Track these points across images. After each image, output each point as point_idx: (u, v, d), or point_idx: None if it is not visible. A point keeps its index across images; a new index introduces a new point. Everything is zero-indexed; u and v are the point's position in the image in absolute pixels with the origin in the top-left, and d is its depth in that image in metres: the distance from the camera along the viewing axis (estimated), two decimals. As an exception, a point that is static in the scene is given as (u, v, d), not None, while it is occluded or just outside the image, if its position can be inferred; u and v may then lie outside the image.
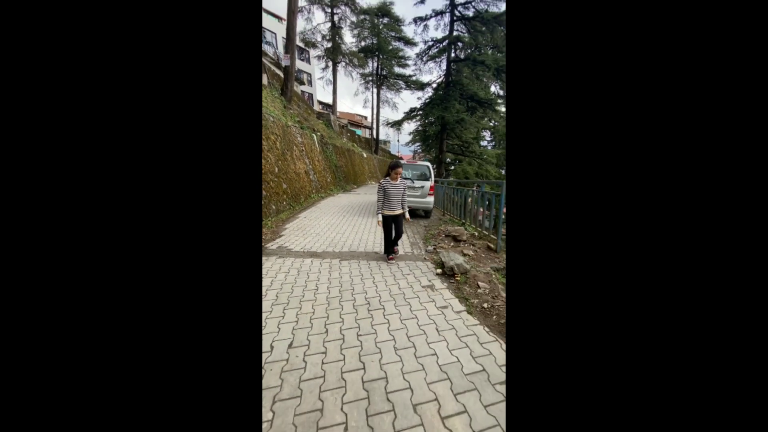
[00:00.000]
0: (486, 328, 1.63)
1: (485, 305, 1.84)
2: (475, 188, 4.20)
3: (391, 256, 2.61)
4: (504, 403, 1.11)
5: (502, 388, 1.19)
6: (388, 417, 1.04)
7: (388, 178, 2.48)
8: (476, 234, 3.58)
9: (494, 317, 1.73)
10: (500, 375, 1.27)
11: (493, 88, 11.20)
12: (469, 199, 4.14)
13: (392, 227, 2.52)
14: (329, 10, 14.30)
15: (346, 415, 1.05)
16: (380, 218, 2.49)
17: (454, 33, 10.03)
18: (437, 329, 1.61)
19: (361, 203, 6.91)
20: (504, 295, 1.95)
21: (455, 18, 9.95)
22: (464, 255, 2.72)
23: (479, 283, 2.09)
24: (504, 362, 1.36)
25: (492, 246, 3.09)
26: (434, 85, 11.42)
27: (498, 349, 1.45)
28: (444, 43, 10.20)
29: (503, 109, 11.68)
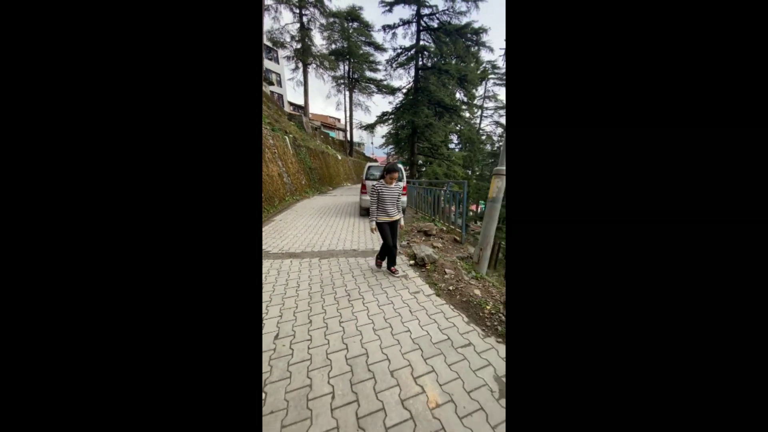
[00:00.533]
0: (451, 306, 1.90)
1: (451, 288, 2.12)
2: (444, 188, 4.58)
3: (393, 267, 2.37)
4: (464, 361, 1.37)
5: (463, 351, 1.44)
6: (369, 383, 1.22)
7: (382, 181, 2.25)
8: (444, 229, 3.94)
9: (458, 297, 2.01)
10: (461, 341, 1.53)
11: (458, 95, 12.07)
12: (441, 198, 4.50)
13: (389, 234, 2.27)
14: (297, 11, 14.06)
15: (333, 387, 1.20)
16: (374, 225, 2.24)
17: (421, 42, 10.61)
18: (410, 311, 1.84)
19: (338, 204, 6.96)
20: (466, 278, 2.26)
21: (421, 28, 10.54)
22: (434, 247, 3.01)
23: (446, 270, 2.38)
24: (465, 330, 1.62)
25: (458, 238, 3.45)
26: (404, 91, 11.92)
27: (461, 322, 1.72)
28: (412, 52, 10.73)
29: (467, 114, 12.60)
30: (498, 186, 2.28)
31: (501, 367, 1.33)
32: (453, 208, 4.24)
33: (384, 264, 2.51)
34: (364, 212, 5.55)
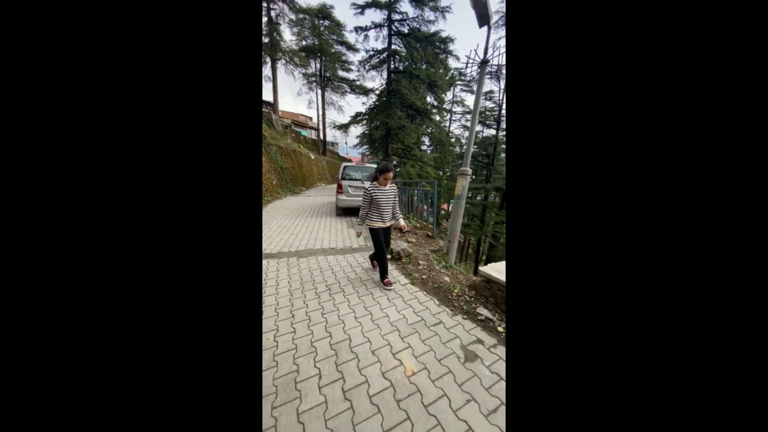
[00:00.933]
0: (424, 293, 2.10)
1: (424, 276, 2.34)
2: (417, 188, 4.85)
3: (387, 279, 2.13)
4: (436, 336, 1.56)
5: (435, 328, 1.65)
6: (353, 363, 1.35)
7: (375, 182, 2.03)
8: (418, 225, 4.21)
9: (430, 284, 2.23)
10: (433, 320, 1.73)
11: (428, 99, 12.65)
12: (415, 198, 4.76)
13: (383, 240, 2.08)
14: (266, 4, 13.38)
15: (319, 369, 1.30)
16: (360, 230, 2.05)
17: (392, 46, 10.91)
18: (388, 299, 2.00)
19: (313, 205, 6.87)
20: (437, 267, 2.50)
21: (392, 32, 10.84)
22: (408, 242, 3.23)
23: (419, 261, 2.60)
24: (436, 312, 1.83)
25: (430, 234, 3.73)
26: (377, 92, 12.12)
27: (432, 305, 1.93)
28: (384, 55, 10.97)
29: (437, 118, 13.28)
30: (462, 185, 2.56)
31: (466, 338, 1.56)
32: (426, 207, 4.54)
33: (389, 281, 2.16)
34: (341, 212, 5.58)
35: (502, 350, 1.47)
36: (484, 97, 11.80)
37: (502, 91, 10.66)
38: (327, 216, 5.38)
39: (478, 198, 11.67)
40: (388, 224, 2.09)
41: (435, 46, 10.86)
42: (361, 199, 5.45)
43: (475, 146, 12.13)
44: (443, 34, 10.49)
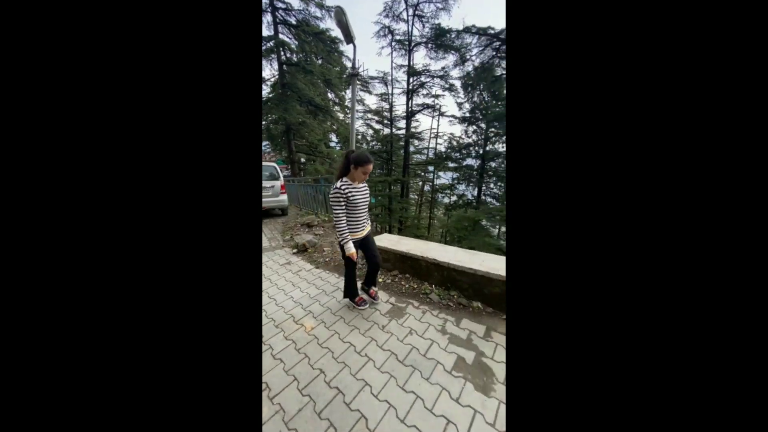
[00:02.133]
0: (327, 271, 2.46)
1: (327, 260, 2.69)
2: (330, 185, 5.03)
3: (359, 298, 1.76)
4: (333, 299, 1.95)
5: (333, 293, 2.04)
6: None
7: (345, 179, 1.48)
8: (327, 219, 4.50)
9: (332, 264, 2.61)
10: (332, 288, 2.12)
11: (330, 96, 12.77)
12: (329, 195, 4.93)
13: (359, 256, 1.62)
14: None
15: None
16: (352, 248, 1.48)
17: (281, 36, 10.23)
18: (293, 284, 2.22)
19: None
20: (340, 251, 2.91)
21: (278, 20, 10.13)
22: (315, 235, 3.48)
23: (324, 249, 2.93)
24: (335, 282, 2.23)
25: (336, 224, 4.11)
26: (270, 83, 11.10)
27: (333, 278, 2.31)
28: (270, 43, 10.11)
29: (341, 116, 13.71)
30: (351, 177, 3.06)
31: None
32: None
33: (378, 293, 1.84)
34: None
35: (381, 294, 2.03)
36: (379, 98, 13.13)
37: (392, 95, 12.23)
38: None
39: (386, 191, 13.12)
40: (366, 232, 1.62)
41: (326, 44, 11.02)
42: (271, 200, 4.99)
43: (378, 144, 13.42)
44: (332, 34, 10.79)
